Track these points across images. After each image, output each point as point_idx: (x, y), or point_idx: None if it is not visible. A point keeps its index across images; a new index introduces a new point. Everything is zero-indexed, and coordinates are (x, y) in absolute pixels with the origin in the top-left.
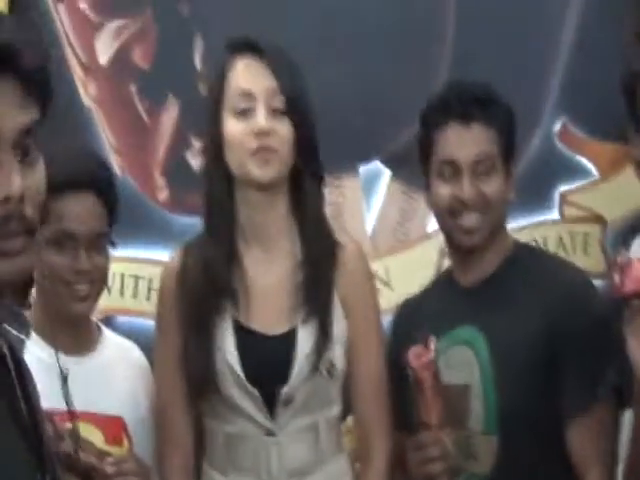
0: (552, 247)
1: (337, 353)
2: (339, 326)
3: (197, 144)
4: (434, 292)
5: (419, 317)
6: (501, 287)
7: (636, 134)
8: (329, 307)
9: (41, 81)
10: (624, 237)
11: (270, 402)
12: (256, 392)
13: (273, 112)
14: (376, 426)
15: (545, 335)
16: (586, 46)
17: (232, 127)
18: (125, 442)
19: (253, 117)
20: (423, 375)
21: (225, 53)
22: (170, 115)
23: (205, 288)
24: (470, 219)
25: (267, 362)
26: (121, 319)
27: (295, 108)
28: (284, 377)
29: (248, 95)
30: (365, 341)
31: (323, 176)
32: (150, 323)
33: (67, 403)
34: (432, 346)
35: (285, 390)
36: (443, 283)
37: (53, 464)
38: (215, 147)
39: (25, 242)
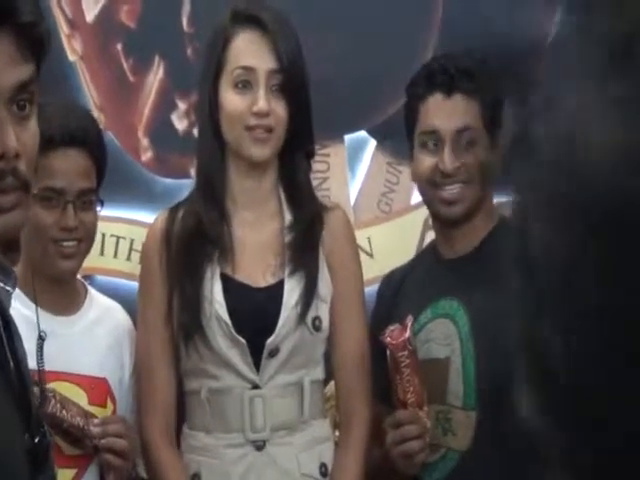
0: None
1: (322, 309)
2: (324, 284)
3: (183, 106)
4: (418, 264)
5: (403, 289)
6: (484, 261)
7: None
8: (315, 263)
9: (37, 37)
10: None
11: (256, 354)
12: (243, 341)
13: (272, 90)
14: (357, 391)
15: None
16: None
17: (231, 100)
18: (109, 404)
19: (253, 94)
20: (399, 354)
21: (227, 21)
22: (156, 75)
23: (196, 238)
24: (451, 190)
25: (254, 312)
26: (100, 279)
27: (293, 87)
28: (271, 328)
29: (250, 71)
30: (347, 305)
31: (313, 149)
32: (129, 284)
33: (38, 366)
34: (409, 325)
35: (271, 340)
36: (427, 256)
37: (41, 424)
38: (211, 113)
39: (19, 197)
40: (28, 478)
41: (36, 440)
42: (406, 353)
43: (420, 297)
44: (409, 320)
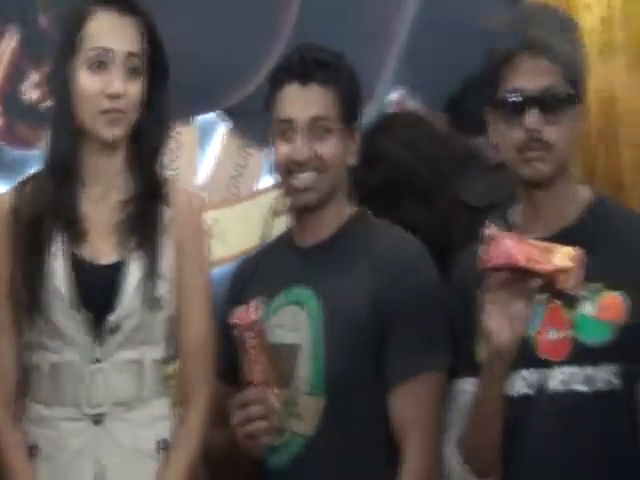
0: None
1: (164, 288)
2: (167, 263)
3: (34, 77)
4: (272, 251)
5: (257, 274)
6: (337, 251)
7: (504, 118)
8: (156, 241)
9: None
10: None
11: (98, 329)
12: (83, 317)
13: (128, 72)
14: (199, 372)
15: (373, 303)
16: (428, 17)
17: (86, 82)
18: None
19: (108, 75)
20: (246, 335)
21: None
22: (8, 44)
23: (43, 216)
24: (304, 178)
25: (95, 289)
26: None
27: (150, 70)
28: (112, 305)
29: (107, 52)
30: (192, 290)
31: (167, 133)
32: None
33: None
34: (256, 306)
35: (112, 318)
36: (282, 243)
37: None
38: (65, 95)
39: None
40: None
41: None
42: (253, 334)
43: (273, 283)
44: (256, 301)
